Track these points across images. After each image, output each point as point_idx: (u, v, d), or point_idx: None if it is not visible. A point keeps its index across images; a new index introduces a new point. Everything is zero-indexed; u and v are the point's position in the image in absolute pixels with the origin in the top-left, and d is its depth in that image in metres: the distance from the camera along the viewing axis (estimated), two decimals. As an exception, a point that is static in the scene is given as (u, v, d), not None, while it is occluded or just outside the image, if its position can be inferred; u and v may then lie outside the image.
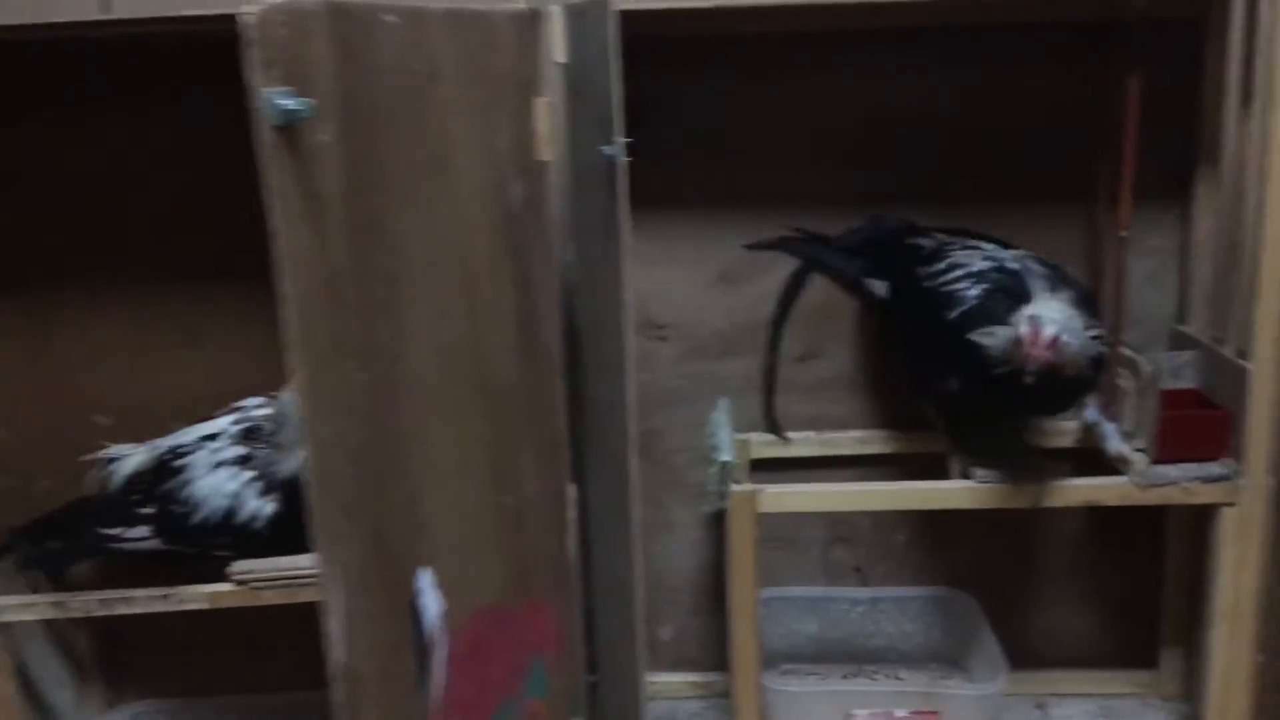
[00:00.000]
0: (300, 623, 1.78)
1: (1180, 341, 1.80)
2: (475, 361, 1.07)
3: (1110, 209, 1.72)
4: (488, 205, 1.11)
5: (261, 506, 1.46)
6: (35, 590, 1.60)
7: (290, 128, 0.80)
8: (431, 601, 0.98)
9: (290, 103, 0.79)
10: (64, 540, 1.56)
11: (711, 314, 1.91)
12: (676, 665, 2.05)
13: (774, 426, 1.89)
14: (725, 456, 1.70)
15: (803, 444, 1.94)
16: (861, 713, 1.79)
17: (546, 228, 1.31)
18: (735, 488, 1.66)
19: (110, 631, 1.79)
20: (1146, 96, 1.62)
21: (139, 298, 1.69)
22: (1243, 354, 1.59)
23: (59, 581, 1.62)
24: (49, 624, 1.64)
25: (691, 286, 1.90)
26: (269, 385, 1.63)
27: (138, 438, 1.64)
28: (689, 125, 1.80)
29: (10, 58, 1.57)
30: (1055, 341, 1.44)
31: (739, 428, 1.87)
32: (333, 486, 0.90)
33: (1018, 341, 1.46)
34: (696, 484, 1.96)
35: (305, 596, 1.47)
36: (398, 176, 0.92)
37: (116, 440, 1.65)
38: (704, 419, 1.90)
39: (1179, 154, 1.77)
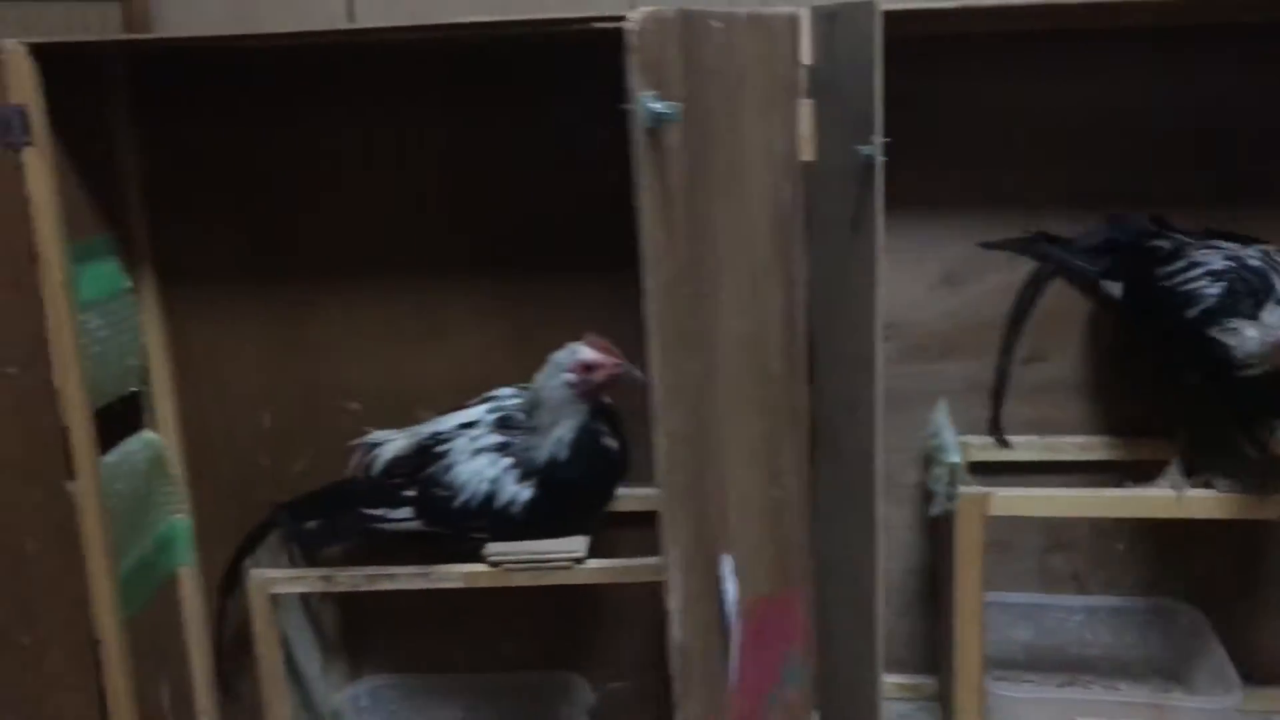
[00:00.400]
0: (529, 606, 1.86)
1: None
2: (757, 355, 1.10)
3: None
4: (766, 205, 1.15)
5: (519, 492, 1.53)
6: (293, 564, 1.70)
7: (655, 130, 0.85)
8: (731, 587, 1.01)
9: (660, 106, 0.84)
10: (326, 518, 1.65)
11: (932, 314, 1.91)
12: (884, 666, 2.04)
13: (996, 429, 1.88)
14: (954, 458, 1.69)
15: (1024, 448, 1.92)
16: (1086, 721, 1.76)
17: (803, 228, 1.33)
18: (964, 490, 1.66)
19: (355, 608, 1.88)
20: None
21: (390, 291, 1.78)
22: None
23: (315, 557, 1.71)
24: (303, 598, 1.74)
25: (913, 287, 1.90)
26: (508, 376, 1.70)
27: (385, 424, 1.73)
28: (912, 126, 1.79)
29: (266, 60, 1.68)
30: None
31: (958, 429, 1.86)
32: (675, 471, 0.94)
33: (1278, 346, 1.43)
34: (909, 485, 1.96)
35: (554, 580, 1.53)
36: (715, 176, 0.96)
37: (365, 425, 1.74)
38: (919, 420, 1.90)
39: None
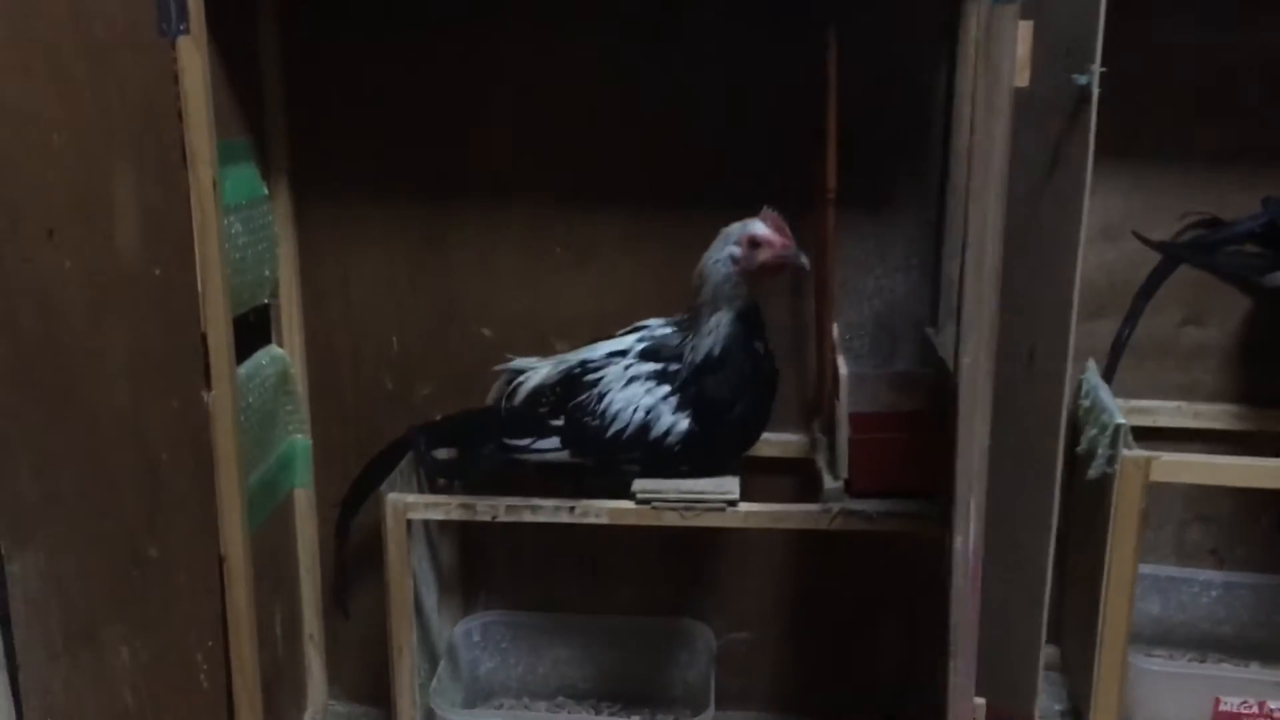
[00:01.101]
0: (651, 548, 1.80)
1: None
2: (995, 286, 1.02)
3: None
4: (1003, 124, 1.06)
5: (676, 422, 1.46)
6: (419, 490, 1.64)
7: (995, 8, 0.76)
8: (973, 529, 0.94)
9: (1004, -15, 0.76)
10: (465, 445, 1.59)
11: (1087, 269, 1.80)
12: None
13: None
14: (1118, 419, 1.61)
15: (1172, 414, 1.84)
16: (1231, 700, 1.69)
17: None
18: (1126, 453, 1.57)
19: (472, 540, 1.83)
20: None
21: (533, 213, 1.70)
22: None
23: (436, 484, 1.65)
24: (425, 526, 1.68)
25: (1068, 239, 1.81)
26: (652, 308, 1.62)
27: (519, 353, 1.66)
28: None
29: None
30: None
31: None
32: (968, 397, 0.86)
33: None
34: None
35: (706, 521, 1.46)
36: (997, 84, 0.88)
37: (498, 354, 1.67)
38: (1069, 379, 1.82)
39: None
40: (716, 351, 1.46)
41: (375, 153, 1.70)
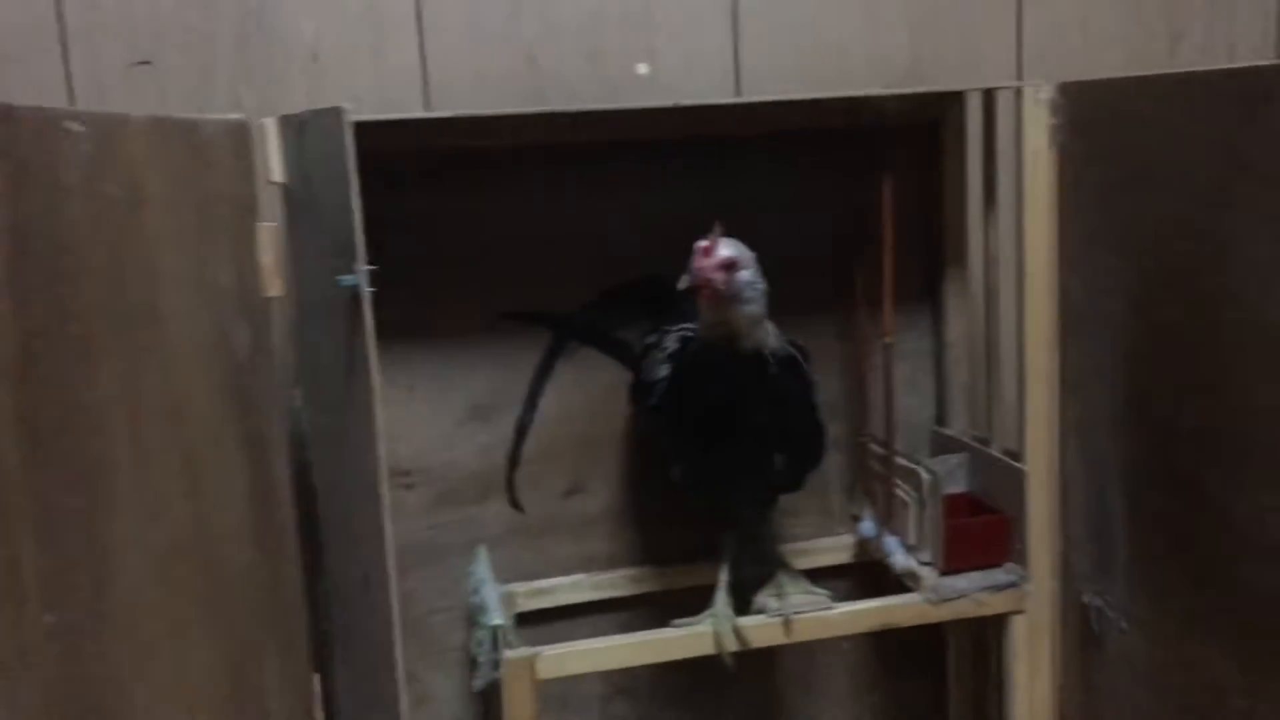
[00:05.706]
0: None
1: (943, 444, 1.77)
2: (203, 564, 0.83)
3: (870, 315, 1.67)
4: (208, 357, 0.88)
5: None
6: None
7: None
8: None
9: None
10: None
11: (462, 453, 1.71)
12: None
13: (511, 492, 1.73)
14: (496, 620, 1.49)
15: (573, 589, 1.76)
16: None
17: (275, 375, 1.08)
18: (509, 654, 1.45)
19: None
20: (898, 199, 1.59)
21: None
22: (1013, 454, 1.59)
23: None
24: None
25: (438, 424, 1.69)
26: None
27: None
28: (431, 247, 1.61)
29: None
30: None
31: (502, 577, 1.66)
32: None
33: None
34: (456, 648, 1.74)
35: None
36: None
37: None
38: (460, 572, 1.70)
39: (927, 256, 1.77)
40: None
41: None
